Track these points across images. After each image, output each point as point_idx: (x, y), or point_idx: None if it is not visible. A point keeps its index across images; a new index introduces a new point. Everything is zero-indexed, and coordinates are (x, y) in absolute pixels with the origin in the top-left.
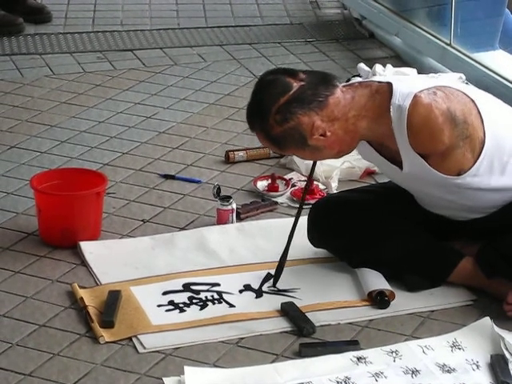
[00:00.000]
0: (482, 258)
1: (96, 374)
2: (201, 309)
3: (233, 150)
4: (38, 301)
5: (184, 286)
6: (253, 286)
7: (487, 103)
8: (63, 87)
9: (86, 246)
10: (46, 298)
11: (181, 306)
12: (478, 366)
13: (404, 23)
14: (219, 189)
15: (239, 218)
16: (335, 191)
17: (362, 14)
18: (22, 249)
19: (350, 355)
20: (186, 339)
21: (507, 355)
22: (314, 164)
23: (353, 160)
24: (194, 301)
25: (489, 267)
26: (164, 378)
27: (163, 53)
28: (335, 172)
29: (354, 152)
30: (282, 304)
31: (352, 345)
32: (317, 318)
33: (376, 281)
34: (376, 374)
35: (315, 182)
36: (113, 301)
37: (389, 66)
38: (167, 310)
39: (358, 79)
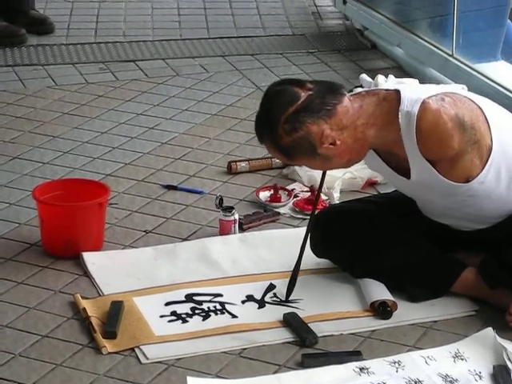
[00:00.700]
0: (485, 268)
1: None
2: (203, 319)
3: (235, 161)
4: (41, 311)
5: (186, 296)
6: (255, 297)
7: (494, 111)
8: (66, 98)
9: (89, 257)
10: (48, 309)
11: (183, 316)
12: (480, 377)
13: (406, 34)
14: (221, 199)
15: (242, 229)
16: (337, 201)
17: (363, 24)
18: (25, 259)
19: (353, 366)
20: (188, 350)
21: (510, 366)
22: (324, 175)
23: (354, 170)
24: (197, 311)
25: (491, 278)
26: None
27: (165, 63)
28: (337, 182)
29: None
30: (284, 314)
31: (354, 355)
32: (319, 329)
33: (378, 291)
34: None
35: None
36: (115, 311)
37: (391, 76)
38: (170, 321)
39: (360, 90)
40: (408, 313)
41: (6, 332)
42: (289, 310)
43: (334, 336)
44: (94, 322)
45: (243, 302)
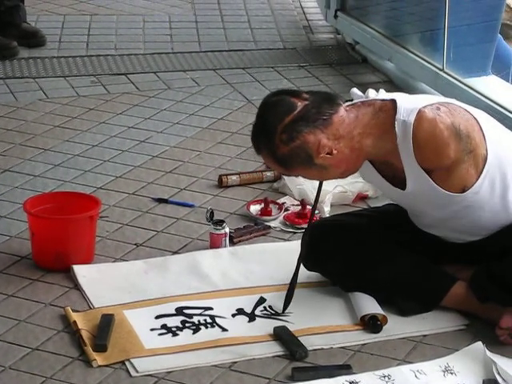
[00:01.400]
0: (475, 282)
1: None
2: (194, 333)
3: (226, 174)
4: (31, 324)
5: (177, 309)
6: (246, 310)
7: (488, 122)
8: (57, 111)
9: (80, 270)
10: (38, 322)
11: (174, 329)
12: None
13: (397, 48)
14: (212, 213)
15: (232, 242)
16: (328, 215)
17: (354, 39)
18: (15, 272)
19: (343, 379)
20: (178, 363)
21: (499, 380)
22: (320, 186)
23: (345, 184)
24: (187, 325)
25: (482, 292)
26: None
27: (157, 77)
28: (328, 196)
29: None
30: (274, 328)
31: (344, 369)
32: (309, 342)
33: (369, 305)
34: None
35: (308, 206)
36: (106, 324)
37: (382, 90)
38: (160, 334)
39: (356, 101)
40: (398, 327)
41: None
42: (279, 323)
43: (323, 349)
44: (85, 335)
45: (233, 315)
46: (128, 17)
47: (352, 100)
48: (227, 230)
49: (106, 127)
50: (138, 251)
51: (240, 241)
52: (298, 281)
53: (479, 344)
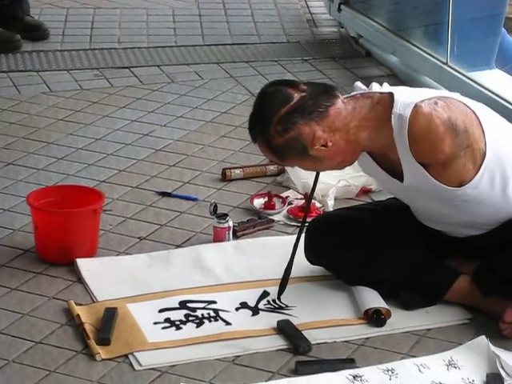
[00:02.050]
0: (479, 276)
1: None
2: (197, 326)
3: (229, 168)
4: (35, 318)
5: (180, 303)
6: (249, 304)
7: (488, 116)
8: (60, 104)
9: (83, 263)
10: (42, 315)
11: (177, 323)
12: None
13: (401, 42)
14: (216, 206)
15: (236, 236)
16: (331, 209)
17: (358, 32)
18: (19, 265)
19: (346, 373)
20: (182, 357)
21: (503, 374)
22: (317, 177)
23: (349, 178)
24: (191, 318)
25: (485, 286)
26: None
27: (160, 70)
28: (331, 190)
29: (350, 170)
30: (278, 322)
31: (348, 363)
32: (313, 336)
33: (372, 299)
34: None
35: (312, 201)
36: (109, 318)
37: (385, 84)
38: (163, 328)
39: (355, 92)
40: (402, 321)
41: None
42: (282, 317)
43: (327, 343)
44: (88, 328)
45: (237, 309)
46: (131, 10)
47: None
48: (231, 223)
49: (110, 120)
50: (142, 245)
51: (243, 234)
52: (302, 274)
53: (483, 338)
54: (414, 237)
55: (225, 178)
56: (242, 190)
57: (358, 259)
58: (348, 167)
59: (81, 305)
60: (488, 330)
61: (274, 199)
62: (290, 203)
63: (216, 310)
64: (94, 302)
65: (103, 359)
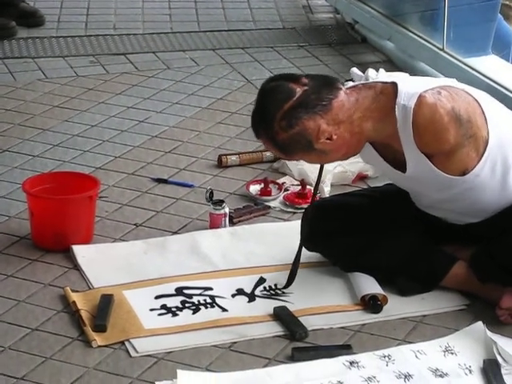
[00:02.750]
0: (476, 262)
1: (88, 378)
2: (193, 313)
3: (225, 154)
4: (31, 304)
5: (176, 290)
6: (245, 290)
7: (490, 104)
8: (56, 91)
9: (79, 250)
10: (38, 302)
11: (173, 310)
12: (470, 371)
13: (397, 28)
14: (212, 193)
15: (232, 223)
16: (328, 195)
17: (354, 18)
18: (15, 252)
19: (343, 359)
20: (178, 343)
21: (500, 360)
22: (321, 170)
23: (345, 164)
24: (187, 305)
25: (482, 272)
26: (156, 382)
27: (156, 57)
28: (328, 176)
29: None
30: (274, 308)
31: (344, 349)
32: (309, 323)
33: (369, 285)
34: (368, 378)
35: (308, 187)
36: (105, 305)
37: (381, 70)
38: (160, 314)
39: (351, 84)
40: (398, 307)
41: None
42: (279, 303)
43: (323, 330)
44: (84, 315)
45: (233, 295)
46: None
47: (352, 80)
48: (227, 210)
49: (105, 107)
50: (138, 231)
51: (240, 221)
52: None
53: (480, 324)
54: (411, 223)
55: (221, 164)
56: (238, 176)
57: (354, 245)
58: None
59: (77, 291)
60: (485, 316)
61: (271, 185)
62: (286, 189)
63: (212, 297)
64: (90, 288)
65: (99, 346)
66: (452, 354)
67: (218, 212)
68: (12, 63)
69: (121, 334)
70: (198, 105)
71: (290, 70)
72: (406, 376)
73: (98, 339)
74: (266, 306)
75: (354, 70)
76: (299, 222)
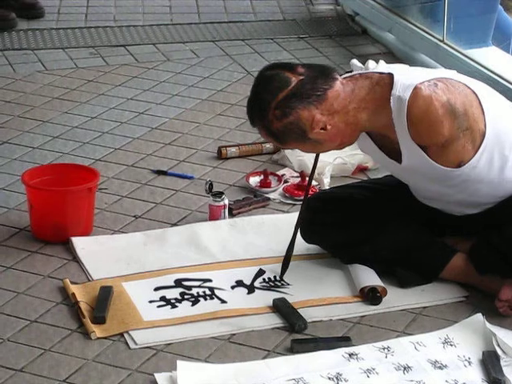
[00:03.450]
0: (475, 254)
1: (87, 370)
2: (192, 304)
3: (225, 146)
4: (30, 296)
5: (176, 281)
6: (245, 282)
7: (488, 95)
8: (56, 83)
9: (78, 242)
10: (37, 294)
11: (172, 301)
12: (469, 363)
13: (397, 19)
14: (211, 185)
15: (231, 214)
16: (327, 187)
17: (354, 10)
18: (14, 244)
19: (342, 351)
20: (177, 335)
21: (499, 351)
22: (316, 159)
23: (345, 156)
24: (186, 296)
25: (481, 263)
26: (155, 374)
27: (156, 48)
28: (327, 168)
29: (347, 148)
30: (273, 300)
31: (344, 341)
32: (309, 314)
33: (368, 277)
34: (368, 370)
35: (307, 178)
36: (104, 296)
37: (381, 62)
38: (159, 306)
39: (354, 73)
40: (398, 299)
41: None
42: (278, 295)
43: (323, 322)
44: (83, 307)
45: (232, 287)
46: None
47: (352, 71)
48: (226, 201)
49: (105, 99)
50: (137, 223)
51: (239, 213)
52: (298, 253)
53: (479, 316)
54: (411, 215)
55: (220, 156)
56: (238, 168)
57: (354, 237)
58: None
59: (76, 283)
60: (484, 308)
61: (270, 177)
62: (285, 181)
63: (211, 289)
64: (89, 280)
65: (98, 338)
66: (451, 345)
67: (217, 204)
68: (12, 55)
69: (120, 325)
70: (197, 96)
71: None
72: (405, 368)
73: (97, 331)
74: (265, 298)
75: (354, 61)
76: (298, 213)
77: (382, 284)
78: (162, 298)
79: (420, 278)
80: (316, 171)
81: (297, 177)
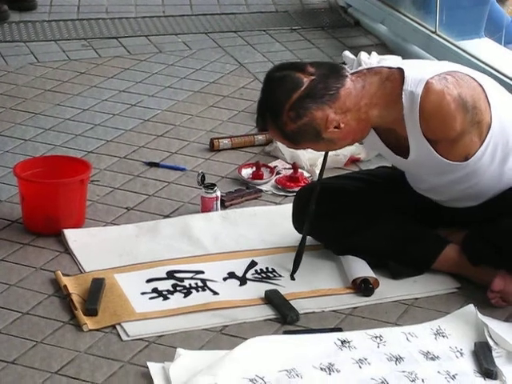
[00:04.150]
0: (468, 244)
1: (79, 362)
2: (185, 296)
3: (217, 138)
4: (22, 288)
5: (168, 273)
6: (237, 274)
7: (493, 88)
8: (48, 75)
9: (70, 234)
10: (29, 286)
11: (165, 293)
12: (461, 354)
13: (389, 11)
14: (203, 176)
15: (224, 206)
16: None
17: (347, 1)
18: (6, 236)
19: (335, 338)
20: (169, 327)
21: (491, 343)
22: (326, 156)
23: None
24: (178, 288)
25: (474, 254)
26: (148, 363)
27: (148, 40)
28: (320, 160)
29: None
30: (265, 292)
31: (336, 332)
32: (301, 306)
33: (360, 268)
34: (360, 360)
35: (299, 170)
36: (96, 288)
37: (374, 53)
38: (151, 298)
39: (362, 68)
40: (390, 290)
41: None
42: (270, 286)
43: (315, 313)
44: (75, 299)
45: (225, 279)
46: None
47: (345, 63)
48: (218, 193)
49: (97, 91)
50: (129, 215)
51: (231, 204)
52: (290, 244)
53: (471, 307)
54: (403, 206)
55: (213, 147)
56: (230, 159)
57: (346, 228)
58: None
59: (68, 275)
60: (476, 299)
61: (262, 169)
62: (278, 173)
63: (204, 280)
64: (81, 272)
65: (90, 330)
66: (443, 336)
67: (209, 195)
68: (4, 47)
69: (112, 317)
70: (190, 88)
71: (282, 54)
72: (397, 358)
73: (89, 323)
74: (257, 290)
75: (346, 53)
76: (291, 205)
77: (374, 275)
78: (154, 290)
79: (412, 270)
80: (308, 163)
81: (289, 168)
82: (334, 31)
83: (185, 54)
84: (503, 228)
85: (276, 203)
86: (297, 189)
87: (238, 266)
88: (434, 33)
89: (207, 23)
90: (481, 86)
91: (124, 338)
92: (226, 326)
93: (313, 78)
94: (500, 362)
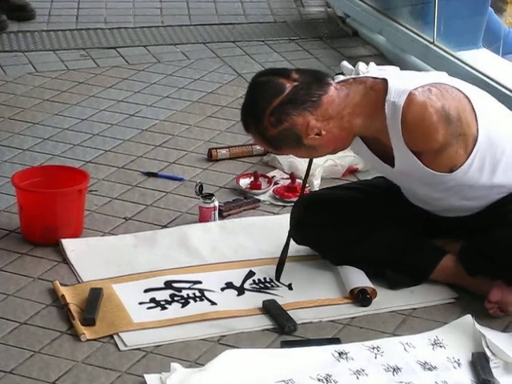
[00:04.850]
0: (464, 255)
1: (77, 372)
2: (182, 306)
3: (215, 148)
4: (20, 298)
5: (166, 283)
6: (235, 284)
7: (481, 100)
8: (46, 85)
9: (68, 244)
10: (27, 296)
11: (162, 303)
12: (459, 364)
13: (387, 21)
14: (202, 186)
15: (221, 216)
16: (318, 188)
17: (345, 12)
18: (4, 246)
19: (332, 349)
20: (167, 337)
21: (488, 353)
22: (310, 163)
23: (335, 158)
24: (176, 298)
25: (471, 265)
26: (145, 375)
27: (146, 50)
28: (318, 170)
29: None
30: (263, 302)
31: (334, 343)
32: (298, 316)
33: (358, 278)
34: (357, 371)
35: (297, 180)
36: (94, 298)
37: (372, 64)
38: (149, 308)
39: (342, 77)
40: (387, 300)
41: None
42: (268, 297)
43: (313, 323)
44: (73, 308)
45: (222, 289)
46: None
47: (343, 73)
48: (216, 203)
49: (96, 101)
50: (127, 225)
51: (229, 214)
52: (288, 254)
53: (468, 317)
54: (401, 216)
55: (211, 157)
56: (228, 169)
57: (344, 238)
58: None
59: (66, 285)
60: (473, 310)
61: (260, 179)
62: (276, 183)
63: (201, 290)
64: (79, 282)
65: (88, 340)
66: (441, 347)
67: (207, 205)
68: (2, 57)
69: (110, 327)
70: (188, 98)
71: (280, 64)
72: (394, 369)
73: (86, 333)
74: (255, 300)
75: (345, 63)
76: (289, 215)
77: (372, 285)
78: (152, 300)
79: (409, 280)
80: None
81: (287, 178)
82: (332, 41)
83: (183, 63)
84: (494, 239)
85: (274, 213)
86: (295, 199)
87: (236, 276)
88: (432, 43)
89: (205, 33)
90: (467, 97)
91: (122, 347)
92: (224, 336)
93: (296, 84)
94: (497, 372)
